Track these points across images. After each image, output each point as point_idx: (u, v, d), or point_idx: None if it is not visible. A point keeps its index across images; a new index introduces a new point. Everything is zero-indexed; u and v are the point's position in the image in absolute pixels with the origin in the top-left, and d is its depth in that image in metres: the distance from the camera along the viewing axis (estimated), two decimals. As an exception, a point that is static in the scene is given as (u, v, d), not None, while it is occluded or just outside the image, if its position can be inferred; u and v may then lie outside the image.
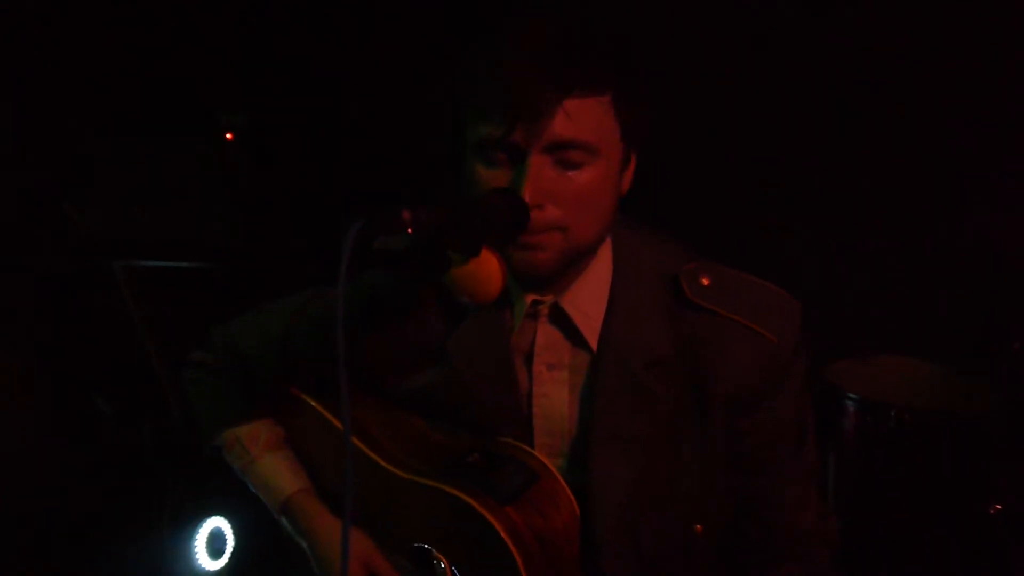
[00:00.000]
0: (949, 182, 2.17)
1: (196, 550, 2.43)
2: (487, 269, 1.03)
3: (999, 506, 2.00)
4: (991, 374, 2.07)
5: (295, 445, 1.43)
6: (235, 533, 2.49)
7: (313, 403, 1.38)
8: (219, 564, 2.42)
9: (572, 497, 1.20)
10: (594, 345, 1.20)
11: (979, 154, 2.12)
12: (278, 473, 1.38)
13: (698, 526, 1.21)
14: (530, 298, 1.20)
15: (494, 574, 1.15)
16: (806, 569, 1.26)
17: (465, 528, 1.17)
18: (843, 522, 2.04)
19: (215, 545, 2.48)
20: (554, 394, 1.23)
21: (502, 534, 1.13)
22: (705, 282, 1.19)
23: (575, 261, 1.15)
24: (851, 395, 2.07)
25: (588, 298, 1.20)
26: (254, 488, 1.41)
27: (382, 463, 1.28)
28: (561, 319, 1.21)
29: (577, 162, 1.07)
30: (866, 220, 2.29)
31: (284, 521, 1.39)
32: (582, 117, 1.05)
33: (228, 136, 2.77)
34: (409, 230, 0.92)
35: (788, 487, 1.25)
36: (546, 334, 1.22)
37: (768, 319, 1.17)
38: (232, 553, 2.47)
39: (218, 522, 2.49)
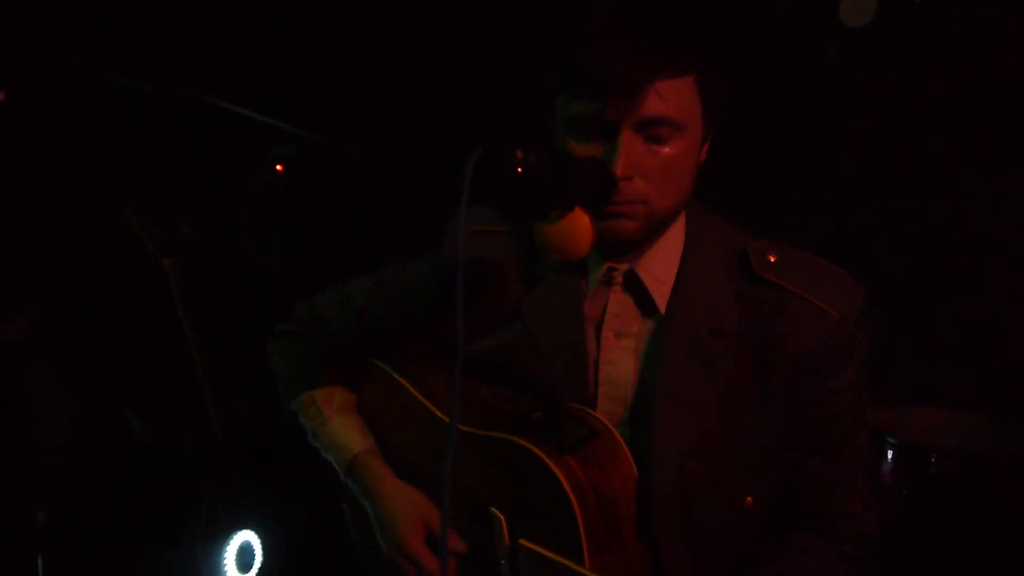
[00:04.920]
0: (990, 230, 2.23)
1: (225, 563, 2.44)
2: (579, 226, 1.11)
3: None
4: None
5: (365, 413, 1.49)
6: (264, 549, 2.49)
7: (386, 367, 1.45)
8: (246, 579, 2.42)
9: (630, 456, 1.23)
10: (663, 310, 1.26)
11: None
12: (348, 433, 1.44)
13: (749, 499, 1.24)
14: (606, 265, 1.27)
15: (552, 521, 1.17)
16: (828, 545, 1.27)
17: (524, 477, 1.20)
18: (883, 567, 2.05)
19: (244, 559, 2.48)
20: (620, 362, 1.28)
21: (563, 481, 1.15)
22: (772, 259, 1.25)
23: (656, 230, 1.23)
24: (891, 439, 2.08)
25: (661, 265, 1.26)
26: (324, 450, 1.46)
27: (447, 420, 1.33)
28: (634, 285, 1.27)
29: (664, 137, 1.15)
30: (899, 279, 2.33)
31: (350, 483, 1.43)
32: (670, 96, 1.13)
33: (278, 168, 2.89)
34: (519, 169, 1.01)
35: (839, 470, 1.27)
36: (618, 302, 1.28)
37: (832, 297, 1.22)
38: (260, 569, 2.46)
39: (248, 536, 2.50)
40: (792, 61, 2.37)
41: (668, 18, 1.14)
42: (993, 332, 2.22)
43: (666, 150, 1.15)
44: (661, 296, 1.26)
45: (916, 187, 2.31)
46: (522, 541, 1.21)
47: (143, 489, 2.61)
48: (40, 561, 2.13)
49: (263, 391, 1.77)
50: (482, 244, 1.35)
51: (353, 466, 1.42)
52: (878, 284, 2.13)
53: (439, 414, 1.36)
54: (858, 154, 2.35)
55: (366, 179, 2.81)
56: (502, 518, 1.25)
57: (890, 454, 2.08)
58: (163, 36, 2.49)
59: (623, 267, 1.27)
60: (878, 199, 2.36)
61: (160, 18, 2.48)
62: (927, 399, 2.22)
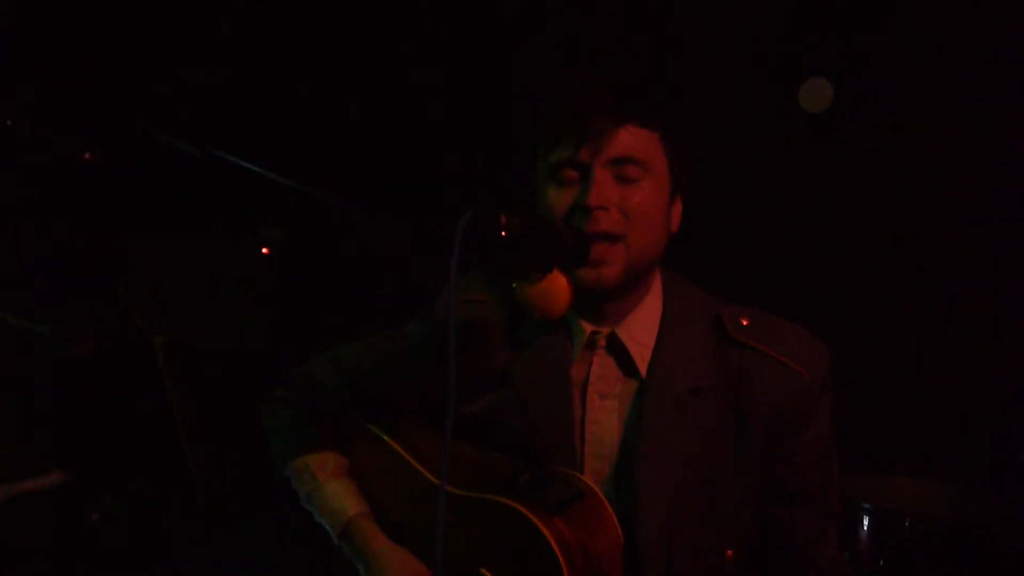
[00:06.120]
0: (951, 303, 2.33)
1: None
2: (557, 286, 1.20)
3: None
4: (1002, 488, 2.14)
5: (358, 476, 1.52)
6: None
7: (377, 430, 1.49)
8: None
9: (615, 517, 1.27)
10: (644, 372, 1.32)
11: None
12: (342, 497, 1.47)
13: (729, 552, 1.28)
14: (590, 329, 1.34)
15: (540, 584, 1.20)
16: None
17: (513, 538, 1.23)
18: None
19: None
20: (605, 422, 1.34)
21: (551, 542, 1.19)
22: (745, 322, 1.33)
23: (633, 282, 1.30)
24: (866, 505, 2.13)
25: (641, 329, 1.34)
26: (318, 515, 1.49)
27: (437, 482, 1.36)
28: (616, 348, 1.34)
29: (634, 177, 1.26)
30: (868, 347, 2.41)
31: (343, 545, 1.45)
32: (637, 139, 1.26)
33: (264, 251, 2.95)
34: (503, 233, 1.09)
35: (813, 521, 1.33)
36: (601, 364, 1.34)
37: (800, 356, 1.31)
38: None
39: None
40: (755, 142, 2.49)
41: (634, 79, 1.31)
42: (964, 402, 2.31)
43: (637, 190, 1.26)
44: (642, 358, 1.33)
45: (892, 256, 2.41)
46: (511, 602, 1.24)
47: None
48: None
49: (249, 460, 1.78)
50: (470, 311, 1.41)
51: (347, 529, 1.44)
52: (854, 356, 2.25)
53: (429, 476, 1.39)
54: (837, 223, 2.45)
55: (354, 247, 2.86)
56: (492, 580, 1.28)
57: (866, 520, 2.14)
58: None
59: (605, 331, 1.34)
60: (850, 267, 2.46)
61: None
62: (901, 467, 2.28)
